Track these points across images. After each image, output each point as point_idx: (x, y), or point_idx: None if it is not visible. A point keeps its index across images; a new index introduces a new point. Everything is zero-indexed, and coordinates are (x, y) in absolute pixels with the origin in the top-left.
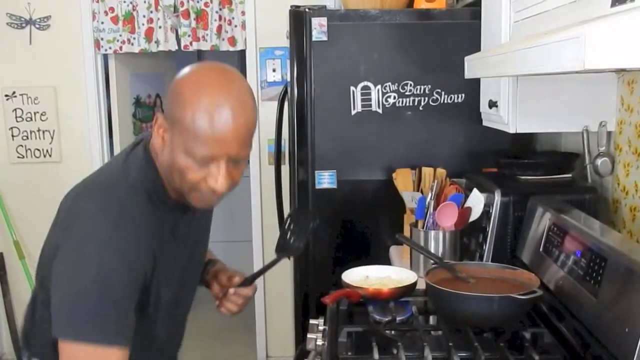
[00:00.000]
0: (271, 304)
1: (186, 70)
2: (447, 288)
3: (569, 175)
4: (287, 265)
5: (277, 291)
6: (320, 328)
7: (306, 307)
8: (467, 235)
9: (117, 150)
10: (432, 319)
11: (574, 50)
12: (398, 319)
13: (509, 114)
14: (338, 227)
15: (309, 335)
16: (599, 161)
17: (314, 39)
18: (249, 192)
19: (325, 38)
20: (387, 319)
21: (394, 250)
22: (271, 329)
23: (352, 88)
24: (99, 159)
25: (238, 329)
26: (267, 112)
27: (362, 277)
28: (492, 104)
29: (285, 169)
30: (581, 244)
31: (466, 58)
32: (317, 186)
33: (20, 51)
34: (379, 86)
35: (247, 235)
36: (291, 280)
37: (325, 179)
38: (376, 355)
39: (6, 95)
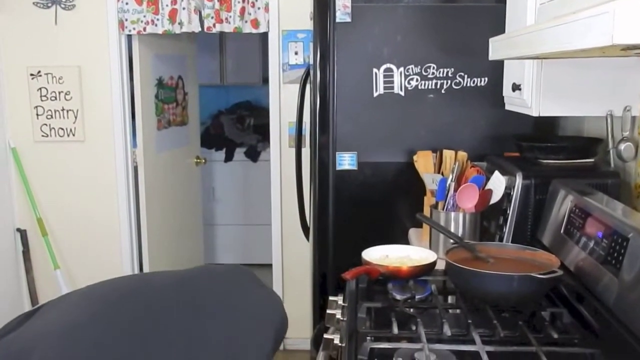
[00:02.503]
0: (289, 286)
1: None
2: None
3: (592, 160)
4: (305, 247)
5: (295, 273)
6: (340, 304)
7: (324, 289)
8: (487, 218)
9: (138, 130)
10: (450, 298)
11: (602, 26)
12: (417, 297)
13: (532, 97)
14: (357, 209)
15: (328, 311)
16: (622, 146)
17: (337, 20)
18: (268, 175)
19: (349, 19)
20: (406, 297)
21: (413, 233)
22: (289, 310)
23: (374, 70)
24: (121, 139)
25: None
26: (289, 94)
27: (381, 255)
28: (516, 87)
29: (305, 152)
30: (603, 224)
31: (491, 39)
32: (338, 167)
33: (46, 31)
34: (401, 68)
35: (267, 219)
36: (310, 262)
37: (346, 161)
38: (395, 330)
39: (31, 75)
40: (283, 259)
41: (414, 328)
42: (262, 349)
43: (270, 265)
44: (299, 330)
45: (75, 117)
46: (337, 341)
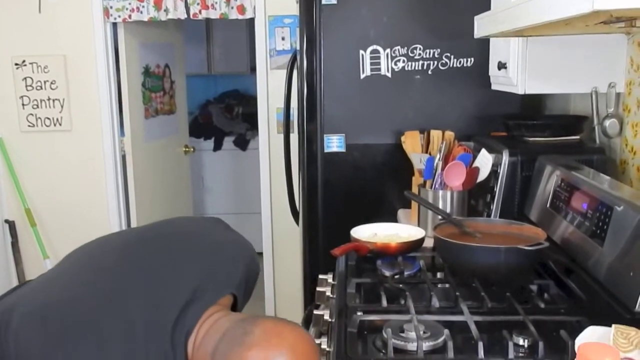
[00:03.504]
0: (280, 274)
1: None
2: None
3: (577, 137)
4: (296, 235)
5: (286, 261)
6: (330, 282)
7: (315, 273)
8: (474, 197)
9: (125, 120)
10: (439, 274)
11: None
12: (406, 273)
13: (518, 75)
14: (346, 191)
15: (318, 289)
16: (607, 122)
17: (323, 2)
18: (258, 163)
19: (334, 1)
20: (395, 273)
21: (402, 213)
22: (280, 294)
23: (361, 52)
24: (108, 127)
25: None
26: (276, 80)
27: (370, 233)
28: (501, 66)
29: (293, 138)
30: (588, 196)
31: (476, 17)
32: (326, 150)
33: (30, 19)
34: (388, 50)
35: (257, 208)
36: (300, 245)
37: (334, 143)
38: (384, 303)
39: (16, 64)
40: (273, 247)
41: (402, 302)
42: (231, 281)
43: (260, 254)
44: (291, 316)
45: (62, 107)
46: (327, 317)
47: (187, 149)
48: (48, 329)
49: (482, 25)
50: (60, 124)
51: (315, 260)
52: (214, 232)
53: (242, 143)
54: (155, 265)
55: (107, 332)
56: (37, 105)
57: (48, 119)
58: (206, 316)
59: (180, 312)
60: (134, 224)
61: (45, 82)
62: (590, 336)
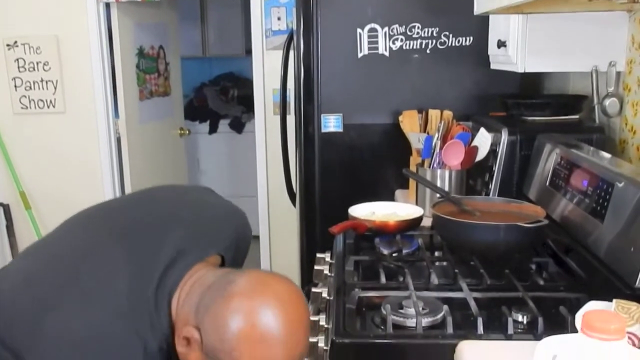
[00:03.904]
0: (276, 257)
1: (248, 309)
2: None
3: (577, 116)
4: (292, 217)
5: (282, 244)
6: (327, 260)
7: (312, 255)
8: (473, 176)
9: (120, 101)
10: (438, 253)
11: None
12: (404, 251)
13: (517, 54)
14: (344, 171)
15: (316, 267)
16: (607, 101)
17: None
18: (254, 146)
19: None
20: (393, 251)
21: (399, 194)
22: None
23: (359, 31)
24: (103, 109)
25: None
26: (272, 61)
27: (368, 212)
28: (501, 44)
29: (290, 120)
30: (588, 173)
31: None
32: (323, 130)
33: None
34: (386, 28)
35: (253, 191)
36: (297, 226)
37: (331, 123)
38: (383, 280)
39: (7, 45)
40: (270, 230)
41: (401, 279)
42: (218, 242)
43: (257, 237)
44: None
45: (55, 88)
46: (325, 295)
47: (182, 132)
48: (34, 294)
49: (482, 1)
50: (53, 106)
51: (313, 241)
52: (204, 198)
53: (238, 126)
54: (144, 230)
55: (95, 298)
56: (30, 87)
57: (41, 100)
58: (190, 274)
59: (163, 272)
60: None
61: (37, 63)
62: None
